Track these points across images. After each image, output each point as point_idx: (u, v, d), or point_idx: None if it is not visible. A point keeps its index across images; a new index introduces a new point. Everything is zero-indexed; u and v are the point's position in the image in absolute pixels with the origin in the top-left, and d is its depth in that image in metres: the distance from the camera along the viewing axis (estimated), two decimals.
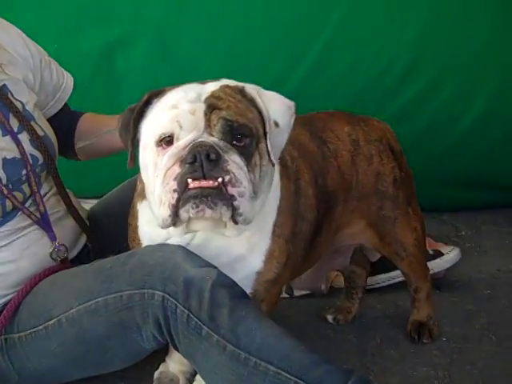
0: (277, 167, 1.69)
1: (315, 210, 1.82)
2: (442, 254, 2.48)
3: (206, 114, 1.51)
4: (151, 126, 1.58)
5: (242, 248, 1.66)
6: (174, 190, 1.48)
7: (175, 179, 1.48)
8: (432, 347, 2.12)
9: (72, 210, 1.96)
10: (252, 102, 1.58)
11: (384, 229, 2.04)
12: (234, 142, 1.51)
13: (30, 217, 1.82)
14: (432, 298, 2.20)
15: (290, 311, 2.31)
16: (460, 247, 2.57)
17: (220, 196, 1.47)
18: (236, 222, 1.51)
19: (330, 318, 2.29)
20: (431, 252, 2.43)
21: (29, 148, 1.83)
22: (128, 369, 1.84)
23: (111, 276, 1.65)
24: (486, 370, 2.00)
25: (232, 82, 1.62)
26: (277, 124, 1.57)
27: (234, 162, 1.49)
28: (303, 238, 1.79)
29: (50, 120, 2.04)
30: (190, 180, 1.47)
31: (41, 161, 1.86)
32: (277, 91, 2.70)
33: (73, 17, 2.18)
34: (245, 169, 1.50)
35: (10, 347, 1.79)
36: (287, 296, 2.40)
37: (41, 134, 1.88)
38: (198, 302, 1.55)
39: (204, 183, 1.46)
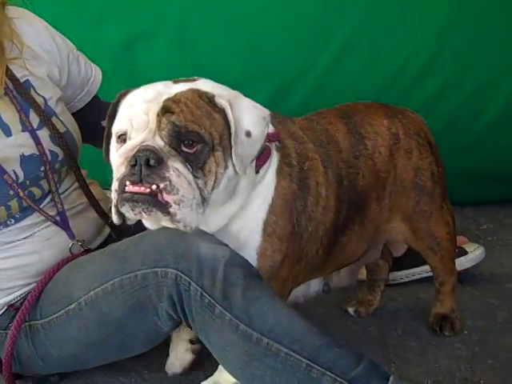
0: (273, 166, 1.69)
1: (333, 211, 1.80)
2: (466, 253, 2.46)
3: (158, 116, 1.52)
4: (114, 124, 1.62)
5: (234, 244, 1.66)
6: (115, 190, 1.53)
7: (118, 179, 1.53)
8: (454, 340, 2.11)
9: (94, 204, 1.97)
10: (221, 110, 1.57)
11: (418, 223, 2.03)
12: (184, 148, 1.52)
13: (46, 218, 1.84)
14: (456, 291, 2.19)
15: (311, 303, 2.30)
16: (482, 241, 2.58)
17: (153, 202, 1.50)
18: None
19: (351, 310, 2.29)
20: None
21: (48, 144, 1.84)
22: (150, 356, 1.87)
23: (125, 257, 1.67)
24: (508, 363, 1.98)
25: (208, 86, 1.61)
26: (249, 134, 1.57)
27: (176, 169, 1.50)
28: (314, 239, 1.78)
29: (79, 112, 2.05)
30: (127, 183, 1.51)
31: (61, 157, 1.87)
32: (295, 87, 2.74)
33: (94, 9, 2.19)
34: (189, 176, 1.52)
35: (33, 334, 1.81)
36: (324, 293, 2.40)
37: (62, 129, 1.88)
38: (211, 280, 1.56)
39: (136, 189, 1.50)
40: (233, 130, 1.56)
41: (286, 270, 1.73)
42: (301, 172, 1.73)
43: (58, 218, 1.87)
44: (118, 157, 1.55)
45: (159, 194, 1.49)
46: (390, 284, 2.39)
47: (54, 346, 1.80)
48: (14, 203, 1.78)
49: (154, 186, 1.48)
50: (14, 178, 1.77)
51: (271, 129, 1.70)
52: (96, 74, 2.11)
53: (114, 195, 1.53)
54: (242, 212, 1.66)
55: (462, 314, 2.20)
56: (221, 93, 1.60)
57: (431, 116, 2.73)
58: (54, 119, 1.88)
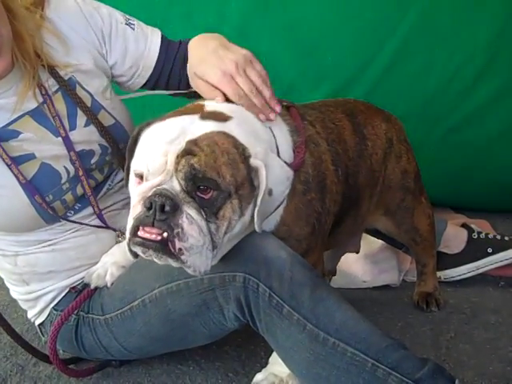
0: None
1: (339, 205, 1.86)
2: (473, 231, 2.51)
3: (177, 157, 1.47)
4: (132, 161, 1.58)
5: None
6: (129, 232, 1.49)
7: (133, 218, 1.49)
8: (508, 344, 2.10)
9: None
10: (248, 163, 1.51)
11: (403, 218, 2.19)
12: (198, 193, 1.47)
13: (93, 208, 1.86)
14: (436, 271, 2.38)
15: (364, 302, 2.33)
16: None
17: (163, 250, 1.45)
18: None
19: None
20: None
21: (98, 139, 1.86)
22: (208, 346, 1.89)
23: None
24: None
25: (240, 131, 1.55)
26: (270, 192, 1.53)
27: (189, 215, 1.45)
28: (327, 229, 1.85)
29: (150, 81, 1.99)
30: (140, 227, 1.47)
31: (110, 149, 1.89)
32: (349, 90, 2.76)
33: (157, 14, 2.25)
34: (202, 223, 1.46)
35: (96, 327, 1.86)
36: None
37: (110, 122, 1.89)
38: (279, 280, 1.57)
39: (147, 236, 1.45)
40: (262, 191, 1.52)
41: (313, 257, 1.78)
42: (318, 176, 1.75)
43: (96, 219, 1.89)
44: (136, 194, 1.52)
45: (170, 242, 1.44)
46: (449, 281, 2.49)
47: (118, 339, 1.84)
48: (68, 196, 1.82)
49: (165, 234, 1.44)
50: (66, 174, 1.81)
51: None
52: (151, 46, 1.96)
53: (127, 235, 1.50)
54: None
55: None
56: (254, 147, 1.53)
57: (485, 121, 2.75)
58: (101, 113, 1.87)
